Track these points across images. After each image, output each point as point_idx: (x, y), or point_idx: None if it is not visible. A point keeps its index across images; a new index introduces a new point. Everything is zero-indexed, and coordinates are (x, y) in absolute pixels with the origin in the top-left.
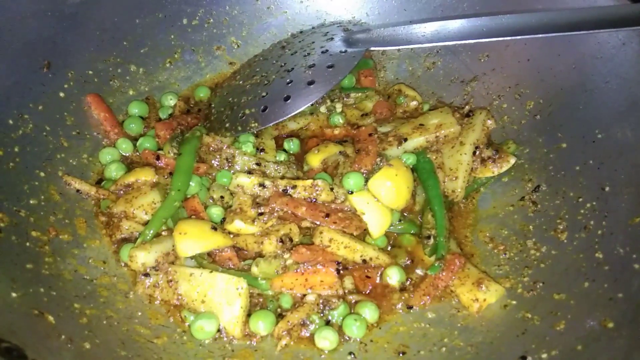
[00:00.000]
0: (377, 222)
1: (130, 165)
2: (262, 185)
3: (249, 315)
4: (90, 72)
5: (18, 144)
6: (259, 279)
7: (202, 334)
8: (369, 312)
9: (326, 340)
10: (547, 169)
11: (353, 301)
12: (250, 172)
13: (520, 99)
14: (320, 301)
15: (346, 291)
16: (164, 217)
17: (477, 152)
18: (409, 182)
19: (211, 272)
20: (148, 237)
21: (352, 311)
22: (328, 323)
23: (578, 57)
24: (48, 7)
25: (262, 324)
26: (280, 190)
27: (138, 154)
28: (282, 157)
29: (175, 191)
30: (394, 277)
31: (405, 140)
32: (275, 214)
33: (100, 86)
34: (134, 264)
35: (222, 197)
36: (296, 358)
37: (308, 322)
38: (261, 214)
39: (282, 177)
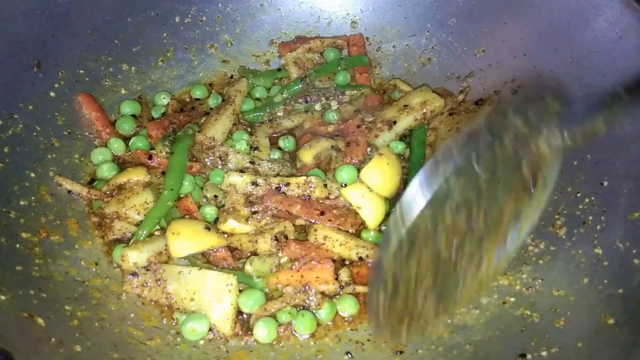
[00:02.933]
0: (373, 213)
1: (122, 165)
2: (254, 183)
3: (240, 313)
4: (82, 71)
5: (8, 145)
6: (254, 277)
7: (194, 335)
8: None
9: (301, 325)
10: None
11: (352, 291)
12: (242, 170)
13: (517, 94)
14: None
15: (343, 284)
16: (157, 217)
17: None
18: (399, 170)
19: (200, 269)
20: (141, 238)
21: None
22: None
23: (575, 51)
24: (38, 6)
25: (265, 332)
26: (274, 188)
27: (130, 153)
28: (276, 155)
29: (168, 190)
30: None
31: (395, 123)
32: (269, 212)
33: (92, 85)
34: (125, 263)
35: (215, 196)
36: (292, 359)
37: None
38: (255, 212)
39: (276, 175)
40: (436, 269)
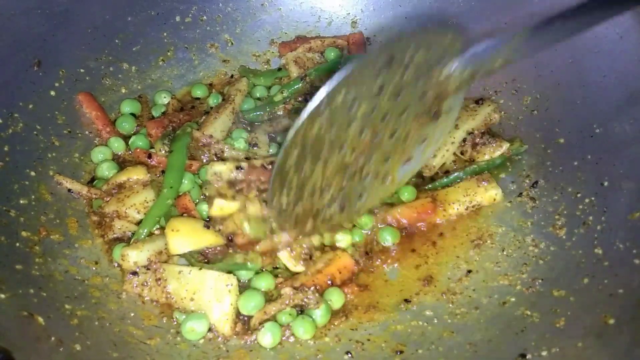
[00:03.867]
0: None
1: (122, 164)
2: (238, 167)
3: (238, 314)
4: (82, 70)
5: (8, 143)
6: (248, 264)
7: (193, 334)
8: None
9: (301, 327)
10: (545, 165)
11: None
12: (223, 159)
13: (517, 94)
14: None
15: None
16: (157, 215)
17: (470, 138)
18: None
19: (200, 269)
20: (142, 237)
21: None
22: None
23: (575, 52)
24: (38, 5)
25: (270, 339)
26: (258, 166)
27: (130, 152)
28: (274, 149)
29: (167, 189)
30: (388, 238)
31: None
32: (253, 185)
33: (92, 84)
34: (125, 262)
35: None
36: (292, 358)
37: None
38: (239, 190)
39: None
40: (342, 179)
